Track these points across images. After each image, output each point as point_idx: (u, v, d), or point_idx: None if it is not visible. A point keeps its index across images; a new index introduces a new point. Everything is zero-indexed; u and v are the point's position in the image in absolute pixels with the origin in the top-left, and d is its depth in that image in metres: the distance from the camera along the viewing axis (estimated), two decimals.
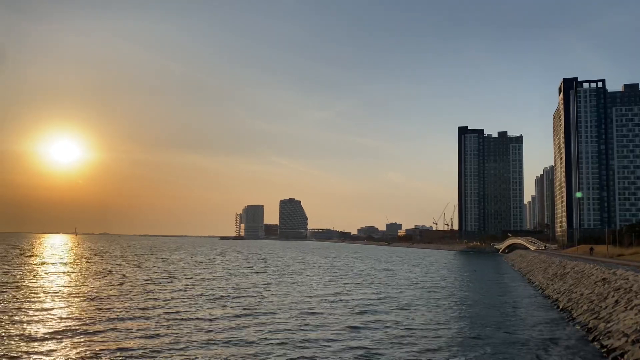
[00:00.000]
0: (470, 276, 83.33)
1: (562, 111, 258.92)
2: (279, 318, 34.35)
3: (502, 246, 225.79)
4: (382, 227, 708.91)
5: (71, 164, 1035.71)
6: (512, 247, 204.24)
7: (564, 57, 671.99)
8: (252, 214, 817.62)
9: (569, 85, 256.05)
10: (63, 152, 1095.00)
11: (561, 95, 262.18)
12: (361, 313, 37.69)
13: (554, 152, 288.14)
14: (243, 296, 45.91)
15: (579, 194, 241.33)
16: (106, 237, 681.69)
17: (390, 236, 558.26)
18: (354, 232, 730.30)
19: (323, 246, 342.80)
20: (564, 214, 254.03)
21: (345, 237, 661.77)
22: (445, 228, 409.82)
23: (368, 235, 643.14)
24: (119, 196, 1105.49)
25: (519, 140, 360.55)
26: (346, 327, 31.41)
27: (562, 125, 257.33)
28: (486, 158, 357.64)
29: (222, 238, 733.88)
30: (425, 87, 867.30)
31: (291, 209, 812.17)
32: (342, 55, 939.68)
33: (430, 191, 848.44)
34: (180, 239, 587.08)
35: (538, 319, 37.08)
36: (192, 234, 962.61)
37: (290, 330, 30.16)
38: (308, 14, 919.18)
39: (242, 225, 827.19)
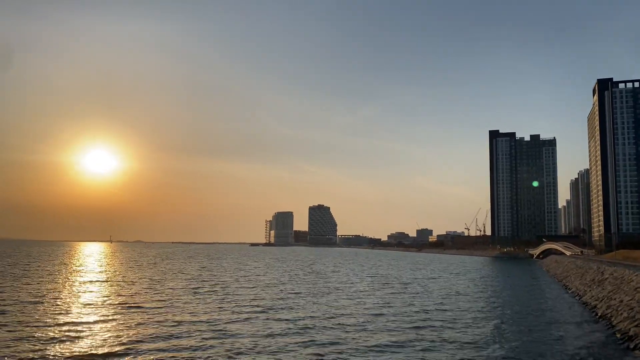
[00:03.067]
0: (506, 283, 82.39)
1: (597, 113, 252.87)
2: (329, 330, 34.55)
3: (536, 251, 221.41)
4: (413, 233, 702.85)
5: (106, 174, 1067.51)
6: (546, 253, 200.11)
7: (598, 58, 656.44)
8: (282, 220, 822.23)
9: (604, 86, 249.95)
10: (98, 162, 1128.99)
11: (596, 97, 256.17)
12: (410, 324, 37.97)
13: (589, 155, 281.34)
14: (288, 307, 46.03)
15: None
16: (140, 244, 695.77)
17: (421, 242, 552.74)
18: (384, 238, 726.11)
19: (354, 253, 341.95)
20: (601, 218, 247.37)
21: (375, 243, 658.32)
22: (478, 234, 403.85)
23: (398, 241, 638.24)
24: (152, 204, 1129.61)
25: (552, 143, 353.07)
26: (394, 340, 31.33)
27: (597, 127, 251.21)
28: (518, 162, 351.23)
29: (253, 245, 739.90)
30: (455, 90, 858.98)
31: (320, 216, 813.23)
32: (368, 60, 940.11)
33: (461, 196, 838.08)
34: (212, 246, 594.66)
35: (577, 326, 36.80)
36: (223, 241, 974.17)
37: (341, 343, 30.12)
38: (333, 19, 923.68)
39: (272, 232, 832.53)
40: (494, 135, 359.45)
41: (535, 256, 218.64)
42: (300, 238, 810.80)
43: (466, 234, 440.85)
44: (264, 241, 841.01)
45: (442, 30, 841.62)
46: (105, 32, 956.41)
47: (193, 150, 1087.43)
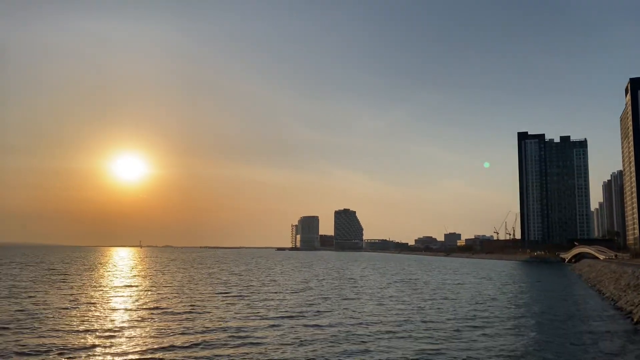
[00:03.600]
0: (537, 287, 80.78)
1: (629, 112, 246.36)
2: (358, 337, 34.27)
3: (568, 255, 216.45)
4: (441, 238, 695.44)
5: (135, 180, 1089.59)
6: (578, 257, 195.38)
7: (630, 57, 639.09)
8: (308, 225, 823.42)
9: (637, 85, 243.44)
10: (128, 169, 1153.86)
11: (628, 96, 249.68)
12: (440, 331, 37.65)
13: (623, 156, 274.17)
14: (316, 312, 45.94)
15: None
16: (169, 249, 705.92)
17: (449, 246, 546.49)
18: (411, 242, 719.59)
19: (381, 257, 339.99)
20: (636, 220, 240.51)
21: (402, 247, 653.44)
22: (507, 237, 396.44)
23: (426, 245, 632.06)
24: (180, 210, 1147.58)
25: (583, 144, 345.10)
26: (424, 349, 30.87)
27: (631, 128, 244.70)
28: (548, 164, 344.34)
29: (279, 249, 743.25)
30: (482, 92, 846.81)
31: (346, 220, 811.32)
32: (394, 63, 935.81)
33: (490, 199, 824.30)
34: (238, 251, 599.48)
35: (611, 333, 35.87)
36: (249, 245, 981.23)
37: (370, 351, 29.91)
38: (360, 23, 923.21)
39: (298, 237, 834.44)
40: (522, 137, 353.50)
41: (566, 260, 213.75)
42: (326, 242, 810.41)
43: (495, 238, 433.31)
44: (290, 245, 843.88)
45: (468, 32, 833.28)
46: (128, 38, 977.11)
47: (219, 156, 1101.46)
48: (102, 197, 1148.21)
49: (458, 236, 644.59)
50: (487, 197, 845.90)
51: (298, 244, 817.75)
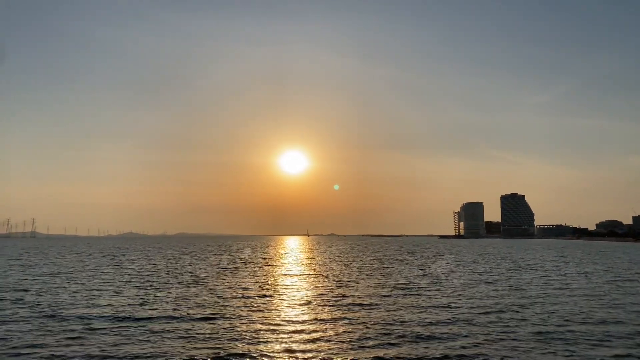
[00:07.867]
0: None
1: None
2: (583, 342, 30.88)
3: None
4: (628, 221, 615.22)
5: (300, 173, 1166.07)
6: None
7: None
8: (471, 211, 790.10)
9: None
10: (293, 163, 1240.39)
11: None
12: None
13: None
14: (511, 307, 42.29)
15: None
16: (333, 237, 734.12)
17: (639, 231, 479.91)
18: (591, 227, 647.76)
19: (558, 245, 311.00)
20: None
21: (580, 233, 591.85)
22: None
23: (609, 230, 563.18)
24: (342, 199, 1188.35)
25: None
26: None
27: None
28: None
29: (441, 237, 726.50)
30: None
31: (514, 205, 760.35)
32: (559, 29, 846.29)
33: None
34: (400, 239, 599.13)
35: None
36: (411, 233, 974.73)
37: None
38: None
39: (461, 224, 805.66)
40: None
41: None
42: (492, 229, 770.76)
43: None
44: (452, 233, 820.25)
45: None
46: (294, 40, 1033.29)
47: (378, 146, 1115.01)
48: (273, 190, 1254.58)
49: None
50: None
51: (461, 232, 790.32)
